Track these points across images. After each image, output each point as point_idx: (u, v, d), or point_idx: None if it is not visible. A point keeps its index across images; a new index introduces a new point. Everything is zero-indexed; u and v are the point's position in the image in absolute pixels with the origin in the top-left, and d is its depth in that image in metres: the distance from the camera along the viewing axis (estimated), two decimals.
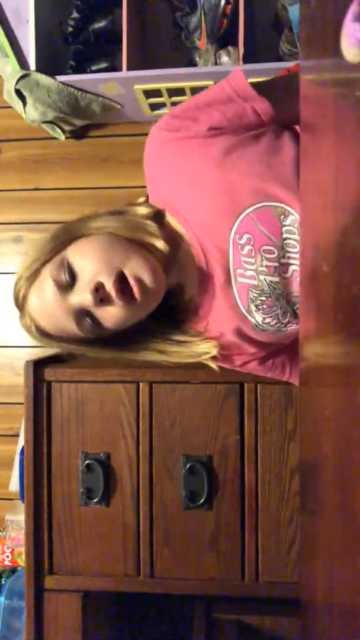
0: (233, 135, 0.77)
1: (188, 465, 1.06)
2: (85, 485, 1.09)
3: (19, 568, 1.56)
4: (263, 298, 0.81)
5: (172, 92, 1.45)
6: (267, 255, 0.78)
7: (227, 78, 0.80)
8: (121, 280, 0.74)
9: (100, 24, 1.52)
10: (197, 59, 1.47)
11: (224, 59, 1.41)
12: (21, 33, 1.49)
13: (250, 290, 0.81)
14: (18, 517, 1.56)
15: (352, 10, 0.30)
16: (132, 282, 0.73)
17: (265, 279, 0.79)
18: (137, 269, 0.74)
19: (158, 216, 0.82)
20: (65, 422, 1.11)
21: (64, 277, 0.75)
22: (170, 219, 0.82)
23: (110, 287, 0.73)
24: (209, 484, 1.06)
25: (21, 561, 1.54)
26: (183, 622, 1.30)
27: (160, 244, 0.77)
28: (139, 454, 1.09)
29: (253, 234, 0.77)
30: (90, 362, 1.10)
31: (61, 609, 1.12)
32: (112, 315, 0.75)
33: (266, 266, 0.78)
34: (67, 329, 0.78)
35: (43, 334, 0.81)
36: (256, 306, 0.81)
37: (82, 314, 0.76)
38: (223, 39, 1.42)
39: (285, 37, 1.41)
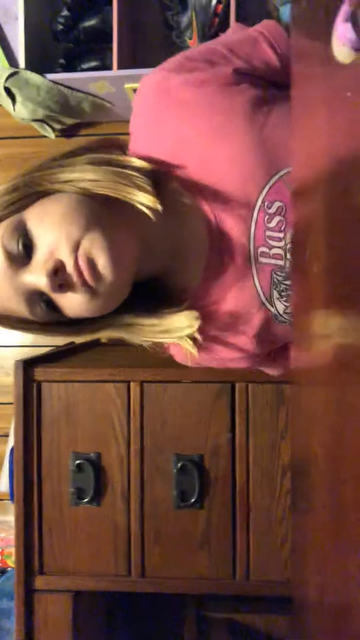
0: (256, 88, 0.64)
1: (179, 465, 1.06)
2: (75, 485, 1.09)
3: (9, 569, 1.55)
4: (289, 282, 0.65)
5: None
6: None
7: (257, 25, 0.67)
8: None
9: (91, 22, 1.51)
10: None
11: None
12: (10, 30, 1.47)
13: (275, 273, 0.65)
14: (8, 518, 1.55)
15: (342, 10, 0.31)
16: (81, 263, 0.56)
17: None
18: (92, 247, 0.57)
19: (157, 178, 0.63)
20: (55, 421, 1.10)
21: (18, 247, 0.58)
22: (174, 185, 0.65)
23: (71, 268, 0.57)
24: (200, 483, 1.06)
25: (11, 562, 1.53)
26: (174, 621, 1.30)
27: (150, 201, 0.59)
28: (130, 453, 1.09)
29: (286, 201, 0.62)
30: (81, 361, 1.10)
31: (52, 610, 1.11)
32: (72, 303, 0.59)
33: None
34: (15, 311, 0.61)
35: None
36: (279, 292, 0.66)
37: (35, 297, 0.60)
38: (214, 38, 1.42)
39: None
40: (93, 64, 1.51)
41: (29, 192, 0.62)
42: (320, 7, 0.36)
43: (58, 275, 0.57)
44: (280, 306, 0.67)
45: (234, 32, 0.72)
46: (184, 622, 1.22)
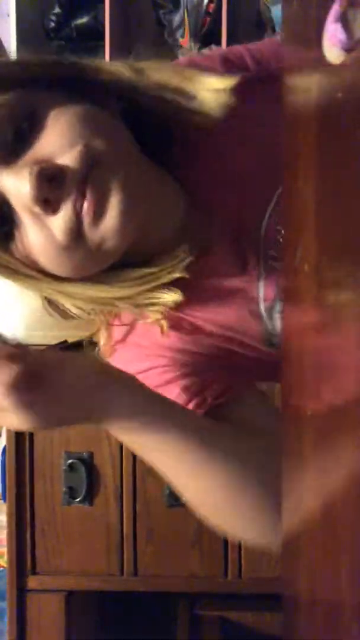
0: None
1: None
2: (68, 484, 1.09)
3: (1, 569, 1.54)
4: None
5: None
6: None
7: None
8: (93, 183, 0.42)
9: (83, 20, 1.51)
10: (180, 56, 1.47)
11: None
12: (2, 28, 1.47)
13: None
14: (0, 517, 1.54)
15: (333, 10, 0.31)
16: (90, 188, 0.41)
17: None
18: (111, 174, 0.42)
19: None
20: None
21: (9, 133, 0.42)
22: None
23: (72, 186, 0.41)
24: None
25: (3, 562, 1.53)
26: (167, 620, 1.30)
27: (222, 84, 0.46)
28: (122, 452, 1.09)
29: None
30: None
31: (44, 609, 1.11)
32: (43, 235, 0.42)
33: None
34: None
35: None
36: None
37: None
38: (206, 38, 1.42)
39: (267, 36, 1.42)
40: None
41: (64, 74, 0.46)
42: (311, 7, 0.36)
43: (50, 184, 0.40)
44: (278, 324, 0.53)
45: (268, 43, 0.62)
46: (177, 621, 1.22)
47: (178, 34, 1.45)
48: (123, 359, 0.53)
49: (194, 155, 0.51)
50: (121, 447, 1.09)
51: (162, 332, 0.50)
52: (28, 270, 0.45)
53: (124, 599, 1.38)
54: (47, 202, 0.40)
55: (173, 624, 1.23)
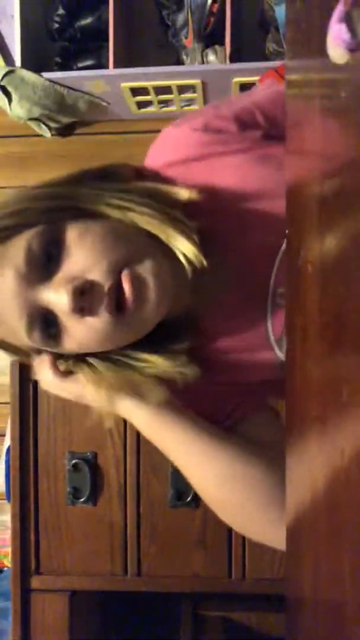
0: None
1: None
2: (71, 484, 1.09)
3: (5, 568, 1.55)
4: None
5: (159, 90, 1.44)
6: None
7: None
8: (119, 289, 0.51)
9: (87, 21, 1.51)
10: (184, 57, 1.47)
11: (211, 57, 1.41)
12: (6, 29, 1.47)
13: None
14: (4, 517, 1.55)
15: (337, 10, 0.31)
16: (127, 282, 0.50)
17: None
18: (143, 269, 0.51)
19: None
20: (51, 421, 1.10)
21: (43, 255, 0.51)
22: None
23: (106, 290, 0.50)
24: None
25: (7, 561, 1.53)
26: (170, 620, 1.30)
27: (192, 253, 0.54)
28: (126, 453, 1.09)
29: None
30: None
31: (48, 609, 1.12)
32: (85, 330, 0.51)
33: None
34: (12, 328, 0.53)
35: None
36: None
37: (41, 317, 0.52)
38: (210, 38, 1.42)
39: (271, 36, 1.42)
40: (89, 62, 1.51)
41: (70, 205, 0.55)
42: (315, 7, 0.36)
43: (84, 296, 0.49)
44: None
45: (266, 87, 0.66)
46: (180, 621, 1.22)
47: (182, 35, 1.45)
48: None
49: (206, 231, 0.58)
50: (125, 447, 1.09)
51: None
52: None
53: (128, 599, 1.38)
54: (83, 309, 0.50)
55: (176, 624, 1.23)
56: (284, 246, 0.56)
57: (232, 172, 0.60)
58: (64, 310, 0.50)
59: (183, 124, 0.62)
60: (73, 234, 0.51)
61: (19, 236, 0.52)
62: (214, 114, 0.61)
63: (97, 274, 0.50)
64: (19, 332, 0.53)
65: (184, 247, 0.54)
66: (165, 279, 0.52)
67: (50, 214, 0.53)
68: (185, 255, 0.54)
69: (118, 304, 0.51)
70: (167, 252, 0.55)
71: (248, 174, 0.59)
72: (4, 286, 0.51)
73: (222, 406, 0.62)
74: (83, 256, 0.50)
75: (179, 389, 0.58)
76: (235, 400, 0.62)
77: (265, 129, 0.60)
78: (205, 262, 0.54)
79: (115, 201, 0.55)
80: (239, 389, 0.63)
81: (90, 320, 0.51)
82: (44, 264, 0.51)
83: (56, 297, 0.50)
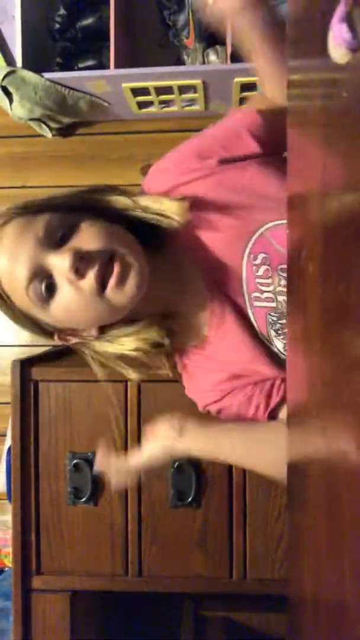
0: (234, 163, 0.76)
1: (176, 464, 1.06)
2: (72, 484, 1.09)
3: (6, 568, 1.55)
4: (283, 321, 0.73)
5: (160, 90, 1.44)
6: (285, 275, 0.71)
7: (238, 114, 0.79)
8: (107, 265, 0.65)
9: (88, 21, 1.51)
10: (185, 57, 1.47)
11: (212, 57, 1.41)
12: (7, 29, 1.47)
13: (269, 315, 0.74)
14: (5, 517, 1.55)
15: (338, 10, 0.31)
16: (116, 264, 0.64)
17: (284, 300, 0.72)
18: (129, 259, 0.66)
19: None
20: (52, 421, 1.10)
21: (59, 232, 0.65)
22: (175, 248, 0.77)
23: (97, 264, 0.64)
24: (197, 482, 1.06)
25: (8, 562, 1.53)
26: (171, 620, 1.30)
27: (180, 209, 0.70)
28: (127, 453, 1.09)
29: (269, 252, 0.73)
30: (78, 361, 1.09)
31: (49, 609, 1.12)
32: (73, 294, 0.65)
33: (284, 286, 0.71)
34: (17, 278, 0.66)
35: None
36: (276, 331, 0.74)
37: (42, 275, 0.65)
38: (211, 38, 1.42)
39: None
40: (90, 63, 1.51)
41: (90, 206, 0.71)
42: (316, 7, 0.36)
43: (81, 261, 0.63)
44: (279, 344, 0.75)
45: (229, 116, 0.80)
46: (181, 621, 1.22)
47: (183, 35, 1.45)
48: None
49: (177, 240, 0.76)
50: (125, 447, 1.09)
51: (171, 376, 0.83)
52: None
53: (128, 599, 1.38)
54: (77, 270, 0.63)
55: (177, 625, 1.23)
56: (245, 258, 0.73)
57: (199, 193, 0.76)
58: (63, 272, 0.64)
59: (153, 168, 0.80)
60: (85, 225, 0.66)
61: (45, 214, 0.67)
62: (177, 157, 0.78)
63: (95, 251, 0.64)
64: (21, 284, 0.66)
65: (171, 208, 0.71)
66: (144, 274, 0.67)
67: (74, 209, 0.69)
68: (175, 213, 0.71)
69: (103, 283, 0.64)
70: (153, 258, 0.70)
71: (208, 194, 0.75)
72: (22, 246, 0.65)
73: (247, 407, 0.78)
74: (88, 238, 0.65)
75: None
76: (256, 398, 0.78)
77: (221, 156, 0.75)
78: (189, 216, 0.71)
79: (122, 210, 0.72)
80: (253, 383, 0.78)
81: (79, 283, 0.64)
82: (58, 238, 0.65)
83: (60, 261, 0.64)
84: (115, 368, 0.78)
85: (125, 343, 0.74)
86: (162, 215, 0.72)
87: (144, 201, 0.73)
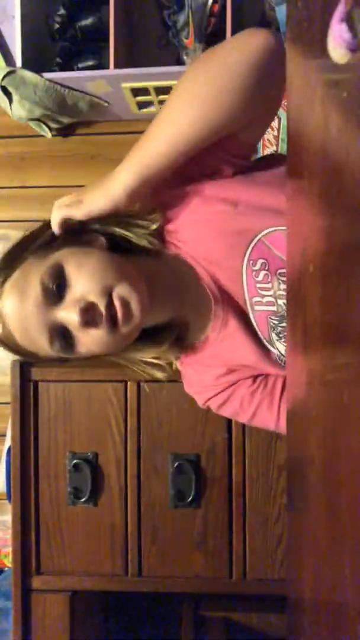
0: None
1: (176, 464, 1.06)
2: (72, 484, 1.09)
3: (6, 569, 1.55)
4: (284, 324, 0.74)
5: (160, 90, 1.44)
6: (284, 279, 0.72)
7: None
8: (111, 304, 0.68)
9: (87, 21, 1.51)
10: (185, 57, 1.47)
11: None
12: (7, 29, 1.47)
13: (270, 318, 0.76)
14: (5, 517, 1.55)
15: (338, 11, 0.31)
16: (117, 303, 0.66)
17: (284, 303, 0.73)
18: (126, 292, 0.67)
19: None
20: (52, 421, 1.10)
21: (53, 286, 0.67)
22: (169, 253, 0.78)
23: (103, 307, 0.66)
24: (196, 483, 1.06)
25: (8, 562, 1.53)
26: (171, 620, 1.30)
27: (164, 265, 0.74)
28: (127, 453, 1.09)
29: (267, 258, 0.73)
30: (78, 361, 1.10)
31: (49, 609, 1.11)
32: (91, 339, 0.68)
33: (284, 289, 0.72)
34: (37, 342, 0.70)
35: (6, 338, 0.72)
36: (277, 334, 0.76)
37: (59, 332, 0.68)
38: (210, 38, 1.42)
39: None
40: (90, 63, 1.51)
41: (66, 239, 0.72)
42: (315, 7, 0.36)
43: (88, 312, 0.66)
44: (281, 347, 0.77)
45: None
46: (181, 621, 1.22)
47: (183, 35, 1.45)
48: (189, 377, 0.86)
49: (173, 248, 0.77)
50: (126, 447, 1.09)
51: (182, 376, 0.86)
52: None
53: (128, 600, 1.38)
54: (88, 323, 0.66)
55: (177, 625, 1.23)
56: (244, 264, 0.74)
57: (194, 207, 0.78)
58: (74, 325, 0.67)
59: None
60: (71, 267, 0.68)
61: (29, 263, 0.70)
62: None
63: (95, 296, 0.67)
64: (43, 345, 0.69)
65: (153, 263, 0.75)
66: (143, 297, 0.69)
67: (52, 245, 0.71)
68: (156, 267, 0.75)
69: (112, 317, 0.67)
70: (144, 270, 0.72)
71: (201, 208, 0.77)
72: (27, 312, 0.68)
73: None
74: (82, 283, 0.67)
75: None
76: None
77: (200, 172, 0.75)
78: (157, 243, 0.74)
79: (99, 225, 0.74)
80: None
81: (94, 331, 0.67)
82: (55, 292, 0.67)
83: (68, 315, 0.67)
84: (141, 372, 0.81)
85: (147, 353, 0.79)
86: (133, 226, 0.74)
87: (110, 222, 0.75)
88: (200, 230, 0.76)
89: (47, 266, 0.68)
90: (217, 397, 0.82)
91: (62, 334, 0.68)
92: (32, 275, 0.68)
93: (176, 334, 0.79)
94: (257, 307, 0.76)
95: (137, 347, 0.77)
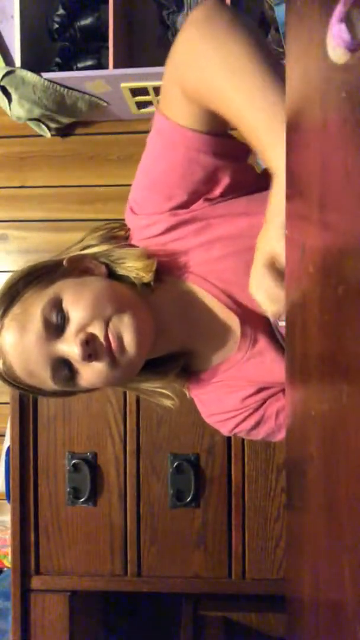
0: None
1: (175, 464, 1.07)
2: (72, 484, 1.09)
3: (5, 569, 1.55)
4: None
5: (159, 90, 1.44)
6: None
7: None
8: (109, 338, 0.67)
9: (86, 21, 1.51)
10: None
11: None
12: (6, 29, 1.47)
13: None
14: (4, 518, 1.55)
15: (337, 11, 0.31)
16: (110, 336, 0.65)
17: None
18: (121, 325, 0.66)
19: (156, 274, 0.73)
20: (51, 421, 1.10)
21: (56, 319, 0.66)
22: (176, 280, 0.75)
23: (102, 339, 0.66)
24: (196, 482, 1.06)
25: (7, 562, 1.53)
26: (170, 620, 1.30)
27: (144, 268, 0.71)
28: (126, 453, 1.09)
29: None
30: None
31: (48, 610, 1.11)
32: (93, 372, 0.67)
33: None
34: (39, 377, 0.69)
35: (7, 374, 0.70)
36: None
37: (61, 364, 0.67)
38: None
39: (271, 37, 1.42)
40: (89, 63, 1.51)
41: (64, 269, 0.72)
42: (314, 7, 0.36)
43: (89, 345, 0.65)
44: None
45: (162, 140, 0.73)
46: (180, 621, 1.22)
47: None
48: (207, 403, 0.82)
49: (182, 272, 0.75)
50: (125, 447, 1.09)
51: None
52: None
53: (128, 599, 1.38)
54: (90, 355, 0.65)
55: (176, 625, 1.23)
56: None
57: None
58: (76, 358, 0.66)
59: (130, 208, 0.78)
60: (70, 300, 0.68)
61: (30, 298, 0.69)
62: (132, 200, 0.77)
63: (94, 328, 0.66)
64: (46, 380, 0.68)
65: (137, 265, 0.72)
66: (144, 326, 0.68)
67: (51, 277, 0.70)
68: (139, 270, 0.72)
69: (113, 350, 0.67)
70: (147, 299, 0.71)
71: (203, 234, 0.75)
72: (28, 346, 0.67)
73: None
74: (82, 315, 0.67)
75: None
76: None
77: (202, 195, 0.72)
78: (149, 276, 0.71)
79: (100, 254, 0.73)
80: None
81: (96, 364, 0.67)
82: (56, 325, 0.67)
83: (69, 349, 0.66)
84: (149, 399, 0.80)
85: (152, 383, 0.78)
86: (128, 270, 0.73)
87: (105, 255, 0.74)
88: (210, 252, 0.73)
89: (47, 300, 0.67)
90: (247, 421, 0.79)
91: (64, 367, 0.67)
92: (32, 309, 0.67)
93: (182, 363, 0.77)
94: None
95: (142, 377, 0.75)
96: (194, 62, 0.63)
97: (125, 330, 0.66)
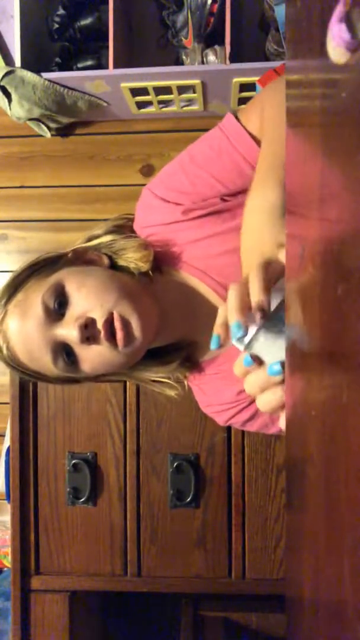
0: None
1: (175, 464, 1.07)
2: (71, 484, 1.09)
3: (5, 569, 1.55)
4: None
5: (159, 90, 1.44)
6: None
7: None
8: (111, 323, 0.67)
9: (86, 21, 1.51)
10: (184, 57, 1.47)
11: (211, 58, 1.41)
12: (6, 29, 1.47)
13: None
14: (4, 518, 1.55)
15: (337, 10, 0.31)
16: (117, 324, 0.66)
17: None
18: (127, 312, 0.67)
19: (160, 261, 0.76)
20: (51, 421, 1.10)
21: (55, 304, 0.68)
22: (176, 272, 0.77)
23: (100, 325, 0.66)
24: (196, 482, 1.06)
25: (7, 562, 1.53)
26: (170, 620, 1.30)
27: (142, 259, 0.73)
28: (126, 453, 1.09)
29: None
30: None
31: (48, 610, 1.12)
32: (93, 355, 0.68)
33: None
34: (41, 361, 0.70)
35: (11, 359, 0.72)
36: None
37: (61, 349, 0.69)
38: (210, 38, 1.42)
39: (271, 36, 1.42)
40: (89, 63, 1.51)
41: (68, 260, 0.74)
42: (314, 7, 0.36)
43: (87, 329, 0.66)
44: None
45: (218, 143, 0.75)
46: (180, 621, 1.22)
47: (182, 35, 1.45)
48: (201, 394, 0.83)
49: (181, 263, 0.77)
50: (125, 447, 1.09)
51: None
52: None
53: (128, 599, 1.38)
54: (88, 339, 0.66)
55: (176, 625, 1.23)
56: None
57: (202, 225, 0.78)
58: (75, 341, 0.67)
59: (141, 203, 0.80)
60: (72, 286, 0.69)
61: (31, 284, 0.70)
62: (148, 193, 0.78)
63: (95, 313, 0.67)
64: (48, 364, 0.70)
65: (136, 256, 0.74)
66: (147, 316, 0.69)
67: (54, 266, 0.72)
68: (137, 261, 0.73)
69: (113, 333, 0.67)
70: (150, 287, 0.73)
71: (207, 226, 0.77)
72: (29, 331, 0.69)
73: None
74: (83, 302, 0.68)
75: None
76: None
77: (222, 192, 0.74)
78: (146, 266, 0.73)
79: (104, 248, 0.75)
80: None
81: (95, 347, 0.67)
82: (56, 310, 0.68)
83: (68, 332, 0.67)
84: (152, 389, 0.81)
85: (156, 373, 0.78)
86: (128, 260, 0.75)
87: (107, 246, 0.76)
88: (211, 247, 0.74)
89: (48, 286, 0.69)
90: (242, 413, 0.80)
91: (64, 352, 0.68)
92: (34, 295, 0.69)
93: (185, 353, 0.78)
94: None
95: (144, 366, 0.76)
96: (278, 126, 0.66)
97: (131, 316, 0.67)
